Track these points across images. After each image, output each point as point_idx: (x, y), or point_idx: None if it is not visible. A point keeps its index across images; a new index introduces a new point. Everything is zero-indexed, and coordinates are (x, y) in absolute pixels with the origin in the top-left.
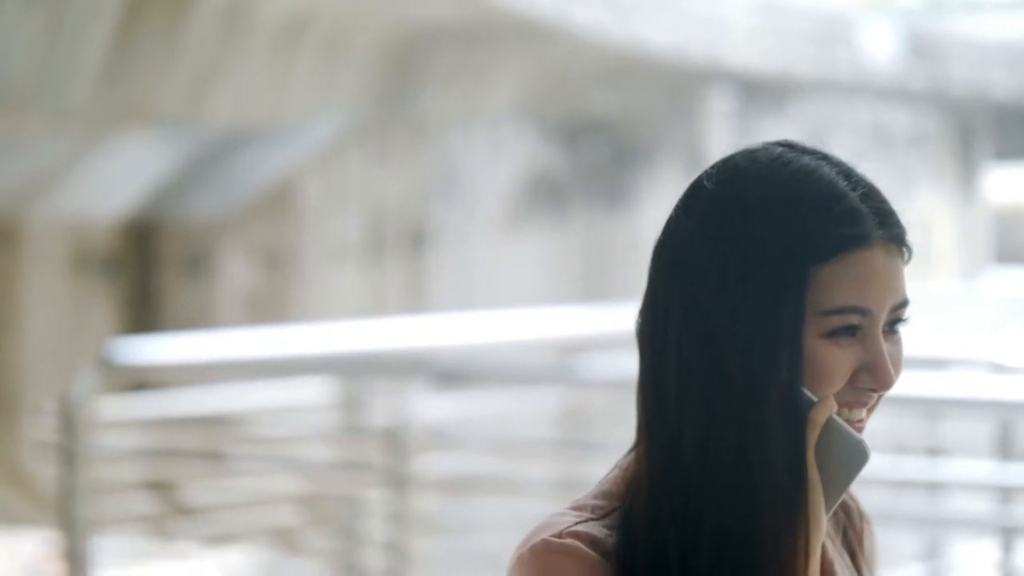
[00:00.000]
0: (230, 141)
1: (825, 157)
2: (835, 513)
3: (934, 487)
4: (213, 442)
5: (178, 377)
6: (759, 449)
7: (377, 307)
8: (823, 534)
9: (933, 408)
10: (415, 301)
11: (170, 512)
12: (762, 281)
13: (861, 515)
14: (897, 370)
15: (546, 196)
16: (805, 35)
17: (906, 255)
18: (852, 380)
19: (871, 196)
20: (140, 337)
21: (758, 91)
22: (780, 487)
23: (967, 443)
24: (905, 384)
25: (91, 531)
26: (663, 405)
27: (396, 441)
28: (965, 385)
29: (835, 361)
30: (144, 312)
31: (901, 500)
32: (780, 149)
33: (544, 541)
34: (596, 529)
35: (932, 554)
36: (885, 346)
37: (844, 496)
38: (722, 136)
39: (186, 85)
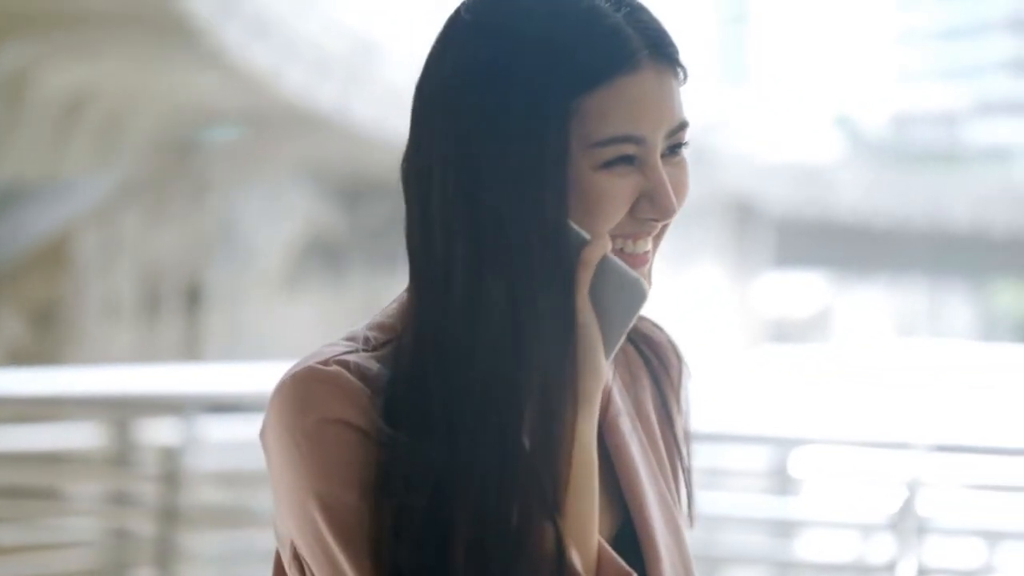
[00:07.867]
0: (4, 197)
1: None
2: (643, 360)
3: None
4: None
5: None
6: (526, 291)
7: (151, 364)
8: (603, 380)
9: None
10: (189, 358)
11: None
12: (522, 115)
13: (679, 358)
14: (680, 195)
15: (325, 256)
16: None
17: (681, 75)
18: (633, 210)
19: (637, 16)
20: None
21: None
22: (548, 330)
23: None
24: None
25: None
26: (431, 247)
27: (169, 477)
28: None
29: (612, 193)
30: None
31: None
32: None
33: (309, 368)
34: (366, 360)
35: None
36: (665, 172)
37: (639, 338)
38: None
39: None
